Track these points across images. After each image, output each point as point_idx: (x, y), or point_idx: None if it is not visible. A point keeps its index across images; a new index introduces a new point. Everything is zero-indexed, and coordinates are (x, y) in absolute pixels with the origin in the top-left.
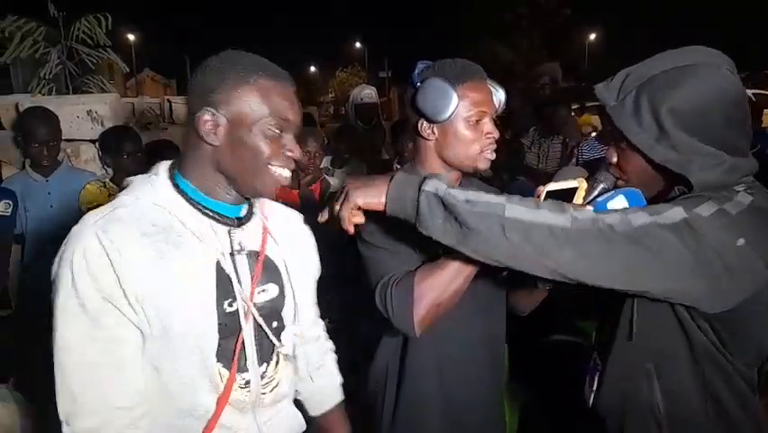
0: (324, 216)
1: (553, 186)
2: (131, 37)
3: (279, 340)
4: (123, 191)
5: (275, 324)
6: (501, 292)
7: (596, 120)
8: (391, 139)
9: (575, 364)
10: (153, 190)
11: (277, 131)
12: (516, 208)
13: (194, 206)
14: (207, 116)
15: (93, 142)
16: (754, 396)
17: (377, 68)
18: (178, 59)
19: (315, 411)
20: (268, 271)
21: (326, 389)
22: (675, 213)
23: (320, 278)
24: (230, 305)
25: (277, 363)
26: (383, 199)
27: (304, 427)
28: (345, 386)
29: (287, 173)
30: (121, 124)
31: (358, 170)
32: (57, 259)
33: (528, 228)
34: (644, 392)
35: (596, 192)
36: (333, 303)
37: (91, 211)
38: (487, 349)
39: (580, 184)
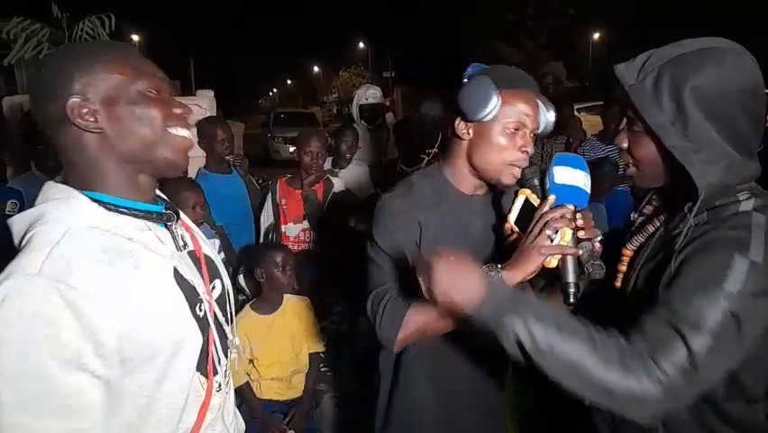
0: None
1: (512, 216)
2: (135, 38)
3: (233, 334)
4: (38, 224)
5: (225, 319)
6: None
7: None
8: (395, 138)
9: None
10: (78, 213)
11: (154, 91)
12: (599, 369)
13: (122, 213)
14: (76, 104)
15: None
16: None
17: (381, 68)
18: (181, 59)
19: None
20: (210, 267)
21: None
22: (717, 317)
23: (324, 279)
24: (199, 309)
25: (230, 357)
26: (469, 307)
27: (243, 426)
28: (348, 386)
29: (186, 133)
30: None
31: (361, 170)
32: None
33: (613, 393)
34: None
35: (536, 183)
36: (338, 304)
37: (18, 261)
38: (487, 359)
39: (522, 193)
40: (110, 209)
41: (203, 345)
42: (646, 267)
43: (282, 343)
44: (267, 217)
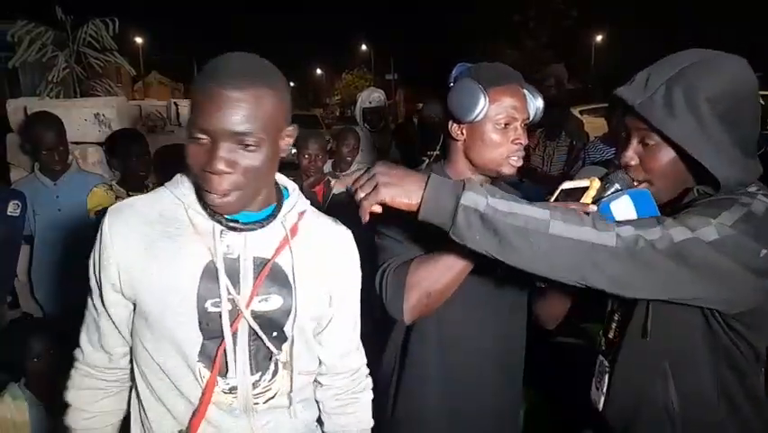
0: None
1: (567, 184)
2: (138, 40)
3: (280, 350)
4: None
5: (274, 334)
6: (519, 299)
7: (601, 122)
8: (395, 141)
9: (579, 367)
10: (179, 184)
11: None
12: (559, 225)
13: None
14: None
15: (100, 144)
16: (764, 394)
17: (383, 70)
18: (184, 61)
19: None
20: (274, 280)
21: (351, 429)
22: (709, 231)
23: None
24: (214, 305)
25: (275, 372)
26: (415, 201)
27: (314, 430)
28: None
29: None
30: (128, 126)
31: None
32: None
33: (572, 246)
34: (658, 392)
35: (609, 192)
36: None
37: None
38: (500, 359)
39: (592, 183)
40: (198, 195)
41: (206, 340)
42: None
43: None
44: None
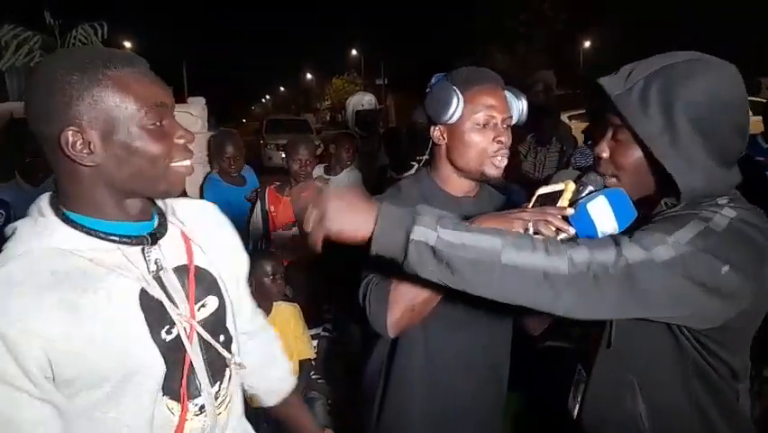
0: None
1: (543, 189)
2: (127, 44)
3: (230, 352)
4: (9, 241)
5: (222, 337)
6: (503, 307)
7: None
8: (384, 145)
9: (567, 371)
10: (44, 233)
11: (156, 122)
12: (511, 253)
13: (96, 236)
14: (71, 136)
15: None
16: (739, 409)
17: (373, 75)
18: (174, 66)
19: (272, 401)
20: (203, 283)
21: (280, 376)
22: (663, 251)
23: (316, 285)
24: (168, 332)
25: (230, 376)
26: (362, 233)
27: None
28: (341, 392)
29: (188, 162)
30: None
31: (354, 177)
32: None
33: (525, 274)
34: (627, 405)
35: (583, 194)
36: (330, 311)
37: None
38: (485, 369)
39: (567, 186)
40: (77, 228)
41: (168, 370)
42: None
43: None
44: (256, 225)
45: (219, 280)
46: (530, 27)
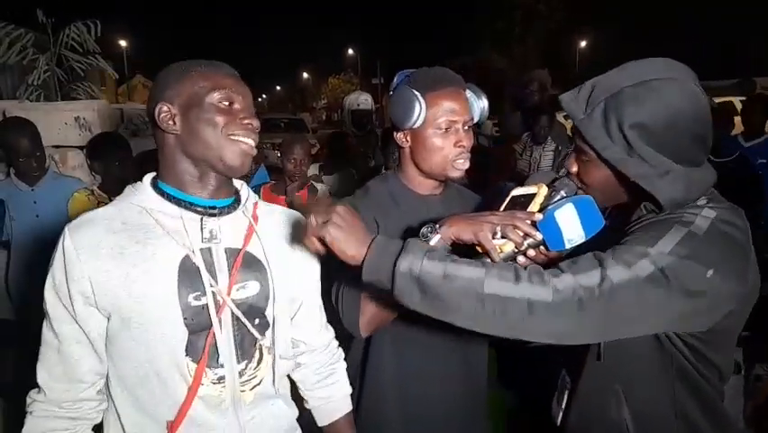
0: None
1: (517, 191)
2: (122, 43)
3: (263, 336)
4: (115, 199)
5: (257, 321)
6: None
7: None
8: (381, 145)
9: (559, 371)
10: (135, 193)
11: (226, 103)
12: (494, 284)
13: (171, 200)
14: (163, 107)
15: (81, 148)
16: (724, 411)
17: (370, 74)
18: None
19: (323, 421)
20: (249, 267)
21: (335, 398)
22: (645, 264)
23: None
24: (196, 298)
25: (260, 359)
26: (352, 255)
27: (295, 427)
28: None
29: (250, 141)
30: (109, 130)
31: (349, 176)
32: None
33: (508, 304)
34: (612, 413)
35: (555, 199)
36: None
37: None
38: (458, 365)
39: (540, 189)
40: (159, 193)
41: (192, 334)
42: None
43: None
44: None
45: (269, 272)
46: (526, 27)
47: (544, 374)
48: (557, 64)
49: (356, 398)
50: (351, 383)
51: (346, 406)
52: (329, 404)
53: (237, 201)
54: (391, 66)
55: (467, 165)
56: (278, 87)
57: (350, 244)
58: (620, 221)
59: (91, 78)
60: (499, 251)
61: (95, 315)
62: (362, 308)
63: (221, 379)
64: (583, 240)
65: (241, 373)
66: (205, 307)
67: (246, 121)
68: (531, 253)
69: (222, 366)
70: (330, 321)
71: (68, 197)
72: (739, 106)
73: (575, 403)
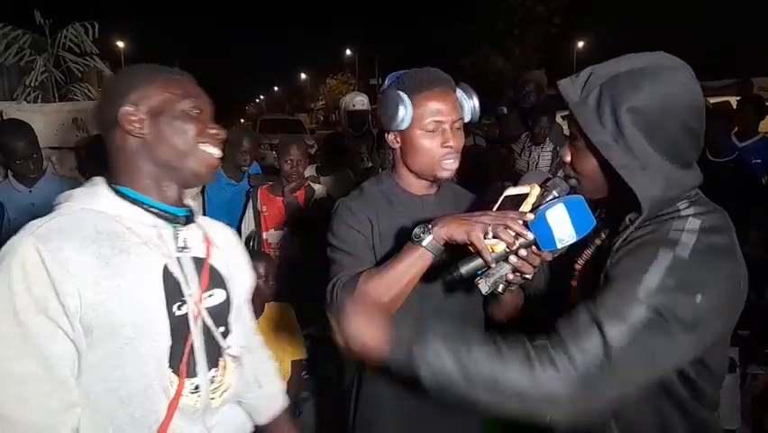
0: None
1: (510, 191)
2: (120, 44)
3: (227, 342)
4: (64, 203)
5: (221, 328)
6: (471, 306)
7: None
8: (377, 146)
9: None
10: (95, 198)
11: (197, 111)
12: (510, 380)
13: (138, 206)
14: (129, 110)
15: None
16: (709, 427)
17: (367, 75)
18: (167, 66)
19: (263, 418)
20: (213, 276)
21: (273, 394)
22: (639, 312)
23: (308, 285)
24: (179, 308)
25: (225, 366)
26: (375, 345)
27: (250, 428)
28: (329, 398)
29: (217, 152)
30: None
31: (346, 177)
32: None
33: (527, 401)
34: (600, 430)
35: (547, 199)
36: (322, 310)
37: (32, 221)
38: None
39: (532, 190)
40: (124, 199)
41: (174, 344)
42: (586, 279)
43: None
44: (248, 225)
45: (229, 282)
46: (525, 28)
47: None
48: (556, 65)
49: (353, 409)
50: (347, 394)
51: (283, 399)
52: (268, 400)
53: (190, 211)
54: (389, 66)
55: (455, 165)
56: (275, 88)
57: (375, 336)
58: (611, 221)
59: (89, 80)
60: (491, 250)
61: (66, 339)
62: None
63: (197, 388)
64: (574, 240)
65: (212, 381)
66: (185, 316)
67: (215, 131)
68: (523, 252)
69: (197, 375)
70: None
71: None
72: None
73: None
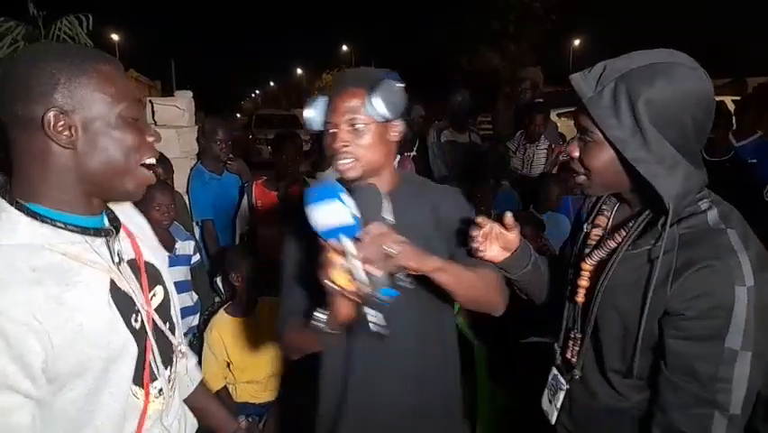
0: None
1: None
2: (114, 37)
3: (175, 338)
4: None
5: (168, 325)
6: (436, 305)
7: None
8: None
9: (548, 370)
10: (10, 229)
11: (135, 117)
12: None
13: (64, 228)
14: (57, 114)
15: None
16: None
17: None
18: (162, 60)
19: (185, 393)
20: (150, 273)
21: (191, 369)
22: (743, 361)
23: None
24: (135, 320)
25: (175, 362)
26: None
27: (195, 423)
28: None
29: (153, 162)
30: None
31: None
32: None
33: None
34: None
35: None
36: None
37: None
38: (415, 360)
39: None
40: (45, 222)
41: (139, 355)
42: (620, 288)
43: (257, 346)
44: (243, 219)
45: (161, 272)
46: (520, 26)
47: (534, 372)
48: (552, 63)
49: (315, 402)
50: (307, 387)
51: (199, 373)
52: (188, 375)
53: (114, 216)
54: (385, 62)
55: (348, 166)
56: (271, 83)
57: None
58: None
59: None
60: (339, 287)
61: (44, 387)
62: (282, 343)
63: (160, 391)
64: (344, 203)
65: (169, 379)
66: (143, 326)
67: (152, 139)
68: (357, 263)
69: (157, 379)
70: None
71: None
72: (731, 106)
73: (574, 407)
